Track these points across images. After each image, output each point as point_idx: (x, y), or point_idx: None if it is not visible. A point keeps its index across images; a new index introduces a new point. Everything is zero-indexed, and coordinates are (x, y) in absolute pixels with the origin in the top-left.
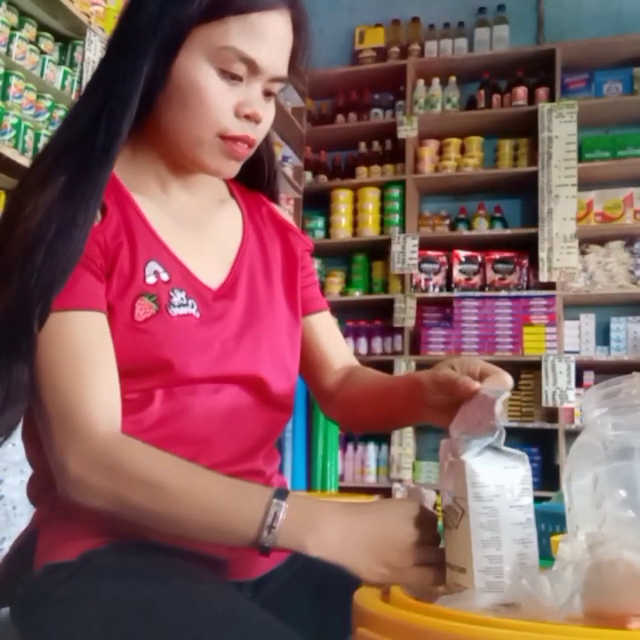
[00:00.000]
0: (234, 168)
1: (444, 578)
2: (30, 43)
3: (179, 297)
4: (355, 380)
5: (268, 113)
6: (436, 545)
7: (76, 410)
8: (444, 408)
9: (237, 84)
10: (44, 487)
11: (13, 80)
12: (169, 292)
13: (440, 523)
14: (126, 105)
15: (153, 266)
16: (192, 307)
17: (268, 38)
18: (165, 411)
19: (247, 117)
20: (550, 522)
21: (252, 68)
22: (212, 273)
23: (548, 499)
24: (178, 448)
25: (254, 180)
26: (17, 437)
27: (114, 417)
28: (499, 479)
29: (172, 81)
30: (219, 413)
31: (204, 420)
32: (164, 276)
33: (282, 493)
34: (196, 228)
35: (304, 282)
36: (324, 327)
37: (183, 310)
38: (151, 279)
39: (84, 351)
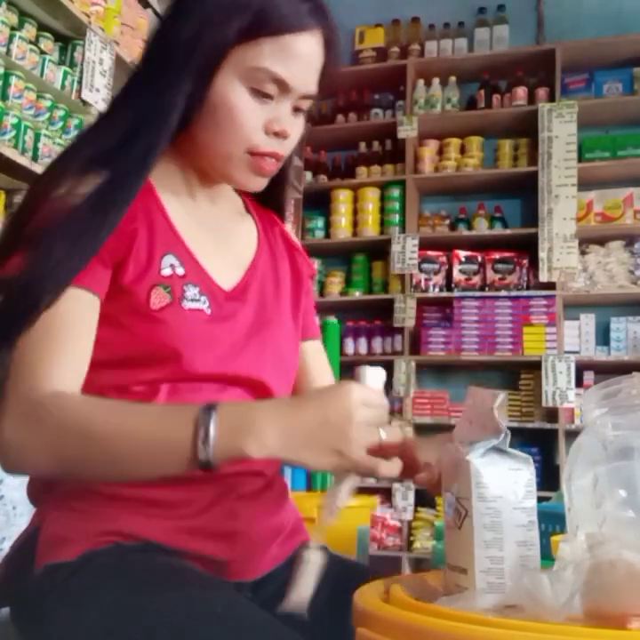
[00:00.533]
0: (261, 183)
1: (395, 468)
2: (30, 43)
3: (192, 292)
4: None
5: (296, 129)
6: (381, 425)
7: (28, 377)
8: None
9: (268, 102)
10: (43, 487)
11: (13, 80)
12: (183, 286)
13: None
14: (166, 120)
15: (169, 259)
16: (204, 303)
17: (299, 59)
18: None
19: (276, 134)
20: (550, 522)
21: (283, 87)
22: (226, 276)
23: (548, 499)
24: None
25: (268, 195)
26: None
27: (64, 391)
28: (503, 480)
29: (208, 99)
30: None
31: None
32: (180, 271)
33: (211, 406)
34: (215, 233)
35: (305, 307)
36: (314, 356)
37: (195, 305)
38: (167, 271)
39: (61, 326)
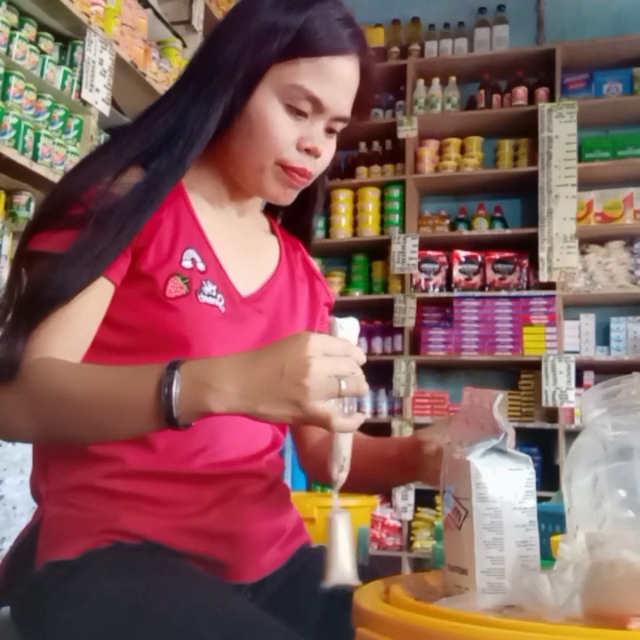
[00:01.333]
0: (291, 195)
1: (354, 423)
2: (30, 43)
3: (210, 288)
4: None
5: (327, 149)
6: (343, 375)
7: (22, 353)
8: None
9: (302, 120)
10: (44, 482)
11: (13, 80)
12: (202, 281)
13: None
14: (205, 126)
15: (191, 253)
16: (220, 301)
17: (334, 81)
18: None
19: (307, 151)
20: (550, 522)
21: (317, 106)
22: (245, 283)
23: (547, 499)
24: (183, 440)
25: (296, 219)
26: None
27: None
28: (503, 481)
29: (245, 111)
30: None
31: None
32: (201, 266)
33: (174, 363)
34: (239, 242)
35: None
36: None
37: (211, 300)
38: (187, 263)
39: (68, 307)
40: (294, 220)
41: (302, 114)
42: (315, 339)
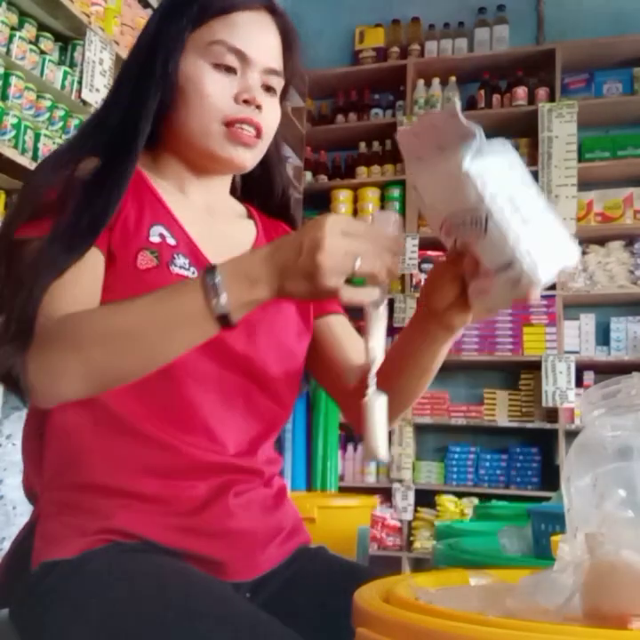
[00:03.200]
0: (244, 156)
1: (368, 295)
2: (30, 43)
3: (182, 261)
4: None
5: (269, 104)
6: (361, 254)
7: (44, 312)
8: (451, 303)
9: (233, 76)
10: (38, 482)
11: (13, 80)
12: (172, 254)
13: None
14: (145, 105)
15: (158, 229)
16: (193, 274)
17: (250, 32)
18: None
19: (246, 102)
20: (550, 522)
21: (242, 58)
22: (220, 258)
23: (547, 499)
24: (175, 432)
25: (270, 206)
26: (17, 437)
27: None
28: (500, 170)
29: (177, 85)
30: (216, 395)
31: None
32: (171, 241)
33: (210, 268)
34: (211, 222)
35: None
36: (343, 328)
37: (183, 272)
38: (155, 239)
39: (73, 272)
40: (268, 202)
41: (231, 69)
42: (333, 219)
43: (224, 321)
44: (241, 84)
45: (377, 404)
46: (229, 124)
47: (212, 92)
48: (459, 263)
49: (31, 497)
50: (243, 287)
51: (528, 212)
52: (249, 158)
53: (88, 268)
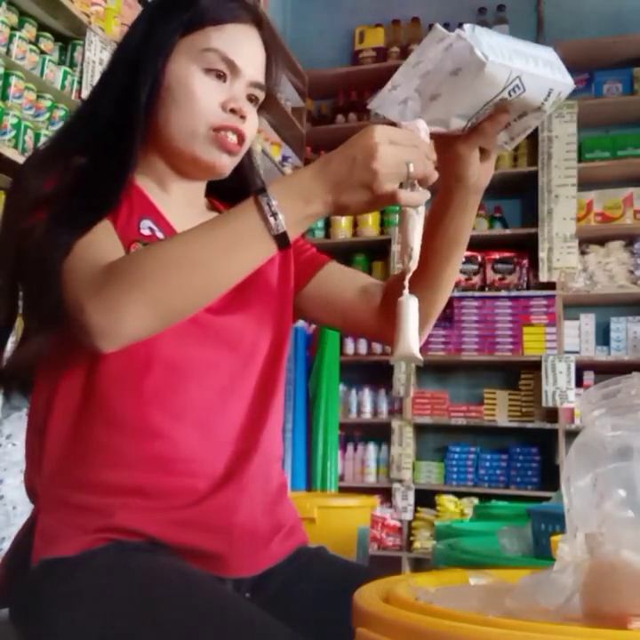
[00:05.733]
0: (226, 162)
1: (422, 197)
2: (30, 43)
3: None
4: (392, 281)
5: (252, 115)
6: (410, 159)
7: (90, 261)
8: (471, 164)
9: (222, 84)
10: (38, 478)
11: (13, 80)
12: None
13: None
14: (138, 100)
15: (147, 222)
16: None
17: (243, 44)
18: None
19: (233, 111)
20: (550, 522)
21: (233, 68)
22: None
23: (547, 499)
24: (173, 425)
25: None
26: (17, 437)
27: None
28: (506, 41)
29: (165, 85)
30: (213, 387)
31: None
32: (160, 235)
33: (261, 189)
34: (194, 216)
35: (301, 250)
36: (340, 271)
37: None
38: (145, 231)
39: (98, 232)
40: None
41: (220, 77)
42: (380, 128)
43: (282, 239)
44: (229, 93)
45: (411, 305)
46: (216, 129)
47: (201, 96)
48: (472, 136)
49: (32, 495)
50: (297, 205)
51: (542, 58)
52: (228, 165)
53: (108, 228)
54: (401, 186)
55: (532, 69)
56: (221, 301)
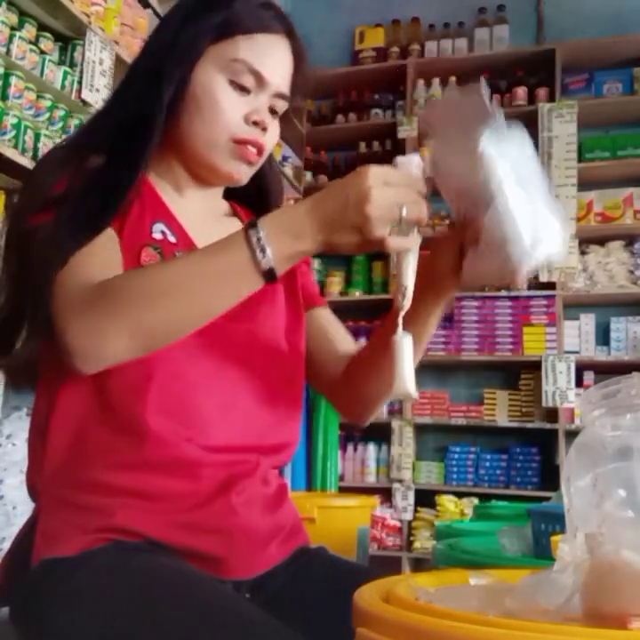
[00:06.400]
0: (244, 172)
1: (411, 242)
2: (30, 43)
3: None
4: (355, 359)
5: (273, 127)
6: (403, 203)
7: (78, 279)
8: (448, 268)
9: (246, 95)
10: (40, 477)
11: (13, 80)
12: (174, 251)
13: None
14: (156, 109)
15: (160, 226)
16: None
17: (271, 56)
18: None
19: (255, 124)
20: (550, 522)
21: (259, 80)
22: None
23: (547, 499)
24: (176, 427)
25: (260, 207)
26: (17, 437)
27: None
28: (513, 156)
29: (190, 91)
30: (218, 393)
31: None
32: (171, 239)
33: (252, 223)
34: (207, 221)
35: (303, 281)
36: (328, 319)
37: None
38: (157, 235)
39: (96, 245)
40: (258, 205)
41: (245, 89)
42: (375, 170)
43: (269, 274)
44: (252, 105)
45: (405, 343)
46: (237, 141)
47: (226, 108)
48: (462, 233)
49: (33, 494)
50: (286, 241)
51: (531, 199)
52: (247, 174)
53: (109, 238)
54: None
55: (511, 201)
56: (231, 310)
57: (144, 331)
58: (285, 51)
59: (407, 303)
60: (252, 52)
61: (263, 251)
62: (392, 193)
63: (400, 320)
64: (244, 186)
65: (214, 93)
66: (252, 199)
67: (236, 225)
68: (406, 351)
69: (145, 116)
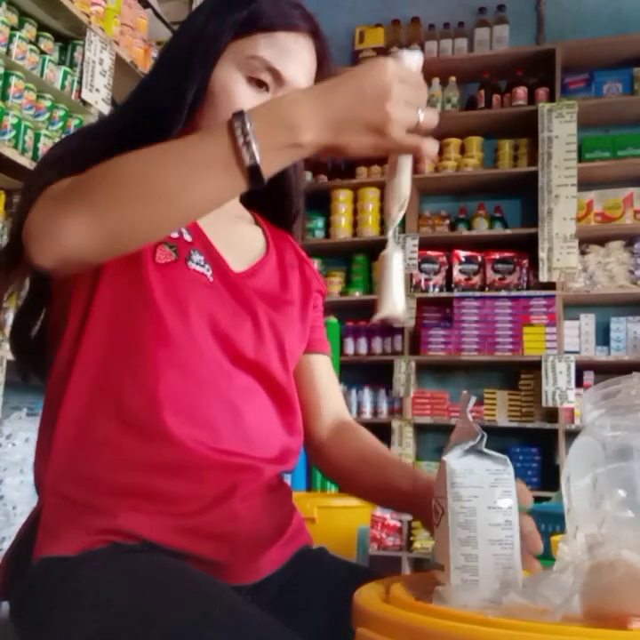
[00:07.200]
0: None
1: (436, 147)
2: (30, 43)
3: (197, 257)
4: (349, 442)
5: None
6: (420, 105)
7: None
8: None
9: (263, 93)
10: (46, 472)
11: (13, 80)
12: (189, 250)
13: None
14: (181, 101)
15: None
16: (208, 270)
17: (291, 54)
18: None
19: None
20: (550, 522)
21: (277, 77)
22: (234, 261)
23: (547, 499)
24: (182, 427)
25: (281, 216)
26: (17, 437)
27: None
28: (478, 480)
29: (209, 88)
30: (226, 396)
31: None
32: (187, 237)
33: (239, 112)
34: (224, 224)
35: (313, 321)
36: (323, 370)
37: (199, 268)
38: (173, 234)
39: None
40: (277, 214)
41: (263, 85)
42: (393, 65)
43: (253, 173)
44: None
45: (395, 259)
46: None
47: (241, 104)
48: None
49: (38, 486)
50: (279, 133)
51: (480, 536)
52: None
53: None
54: None
55: (458, 530)
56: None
57: (104, 217)
58: (307, 49)
59: (401, 215)
60: (270, 50)
61: (247, 142)
62: (410, 92)
63: (391, 233)
64: (264, 194)
65: (230, 90)
66: (274, 203)
67: (256, 233)
68: (396, 267)
69: (166, 112)
